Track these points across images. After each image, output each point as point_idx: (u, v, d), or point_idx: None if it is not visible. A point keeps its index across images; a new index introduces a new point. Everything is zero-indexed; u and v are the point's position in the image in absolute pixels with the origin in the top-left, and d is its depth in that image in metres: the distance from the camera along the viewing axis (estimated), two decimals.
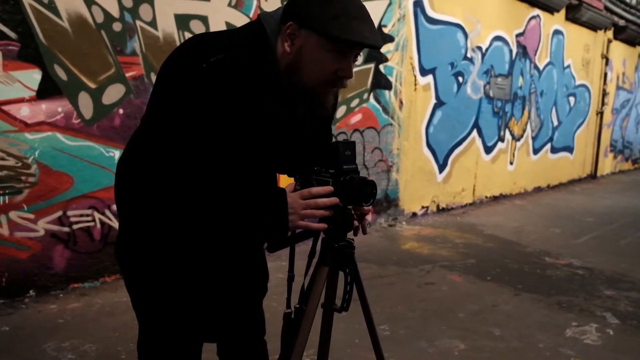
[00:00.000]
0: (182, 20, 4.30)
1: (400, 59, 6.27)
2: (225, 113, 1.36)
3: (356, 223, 1.66)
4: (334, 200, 1.50)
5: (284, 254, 1.61)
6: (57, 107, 3.70)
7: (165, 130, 1.38)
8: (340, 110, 5.61)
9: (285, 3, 1.48)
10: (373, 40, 1.42)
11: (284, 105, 1.47)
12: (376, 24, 5.87)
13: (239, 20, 4.68)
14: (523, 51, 8.79)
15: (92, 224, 3.97)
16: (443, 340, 3.48)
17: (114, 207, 4.00)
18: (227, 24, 4.59)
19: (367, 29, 1.41)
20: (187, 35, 4.33)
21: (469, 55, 7.47)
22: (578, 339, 3.68)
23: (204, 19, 4.42)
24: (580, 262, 5.44)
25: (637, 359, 3.50)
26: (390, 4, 6.08)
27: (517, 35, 8.59)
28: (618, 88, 12.75)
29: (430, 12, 6.73)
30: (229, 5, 4.61)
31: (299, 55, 1.42)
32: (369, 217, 1.67)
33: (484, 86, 7.88)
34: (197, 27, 4.39)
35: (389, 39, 6.10)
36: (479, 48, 7.68)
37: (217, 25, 4.51)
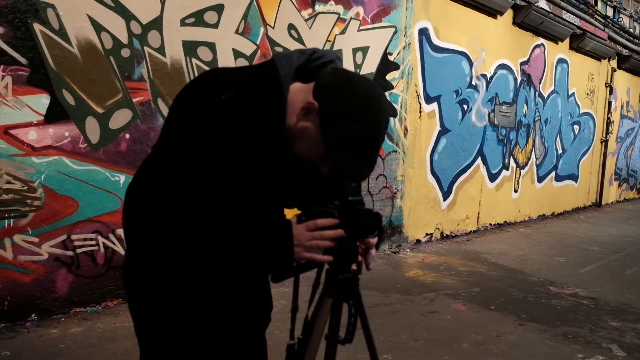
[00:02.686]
0: (190, 47, 4.35)
1: (405, 87, 6.31)
2: (232, 150, 1.38)
3: (360, 258, 1.65)
4: (339, 232, 1.49)
5: (287, 282, 1.61)
6: (64, 132, 3.73)
7: (173, 162, 1.40)
8: None
9: (327, 72, 1.47)
10: (358, 179, 1.46)
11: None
12: (382, 52, 5.95)
13: (246, 47, 4.73)
14: (527, 79, 8.85)
15: (95, 248, 3.97)
16: None
17: (118, 231, 4.02)
18: (235, 50, 4.64)
19: (364, 166, 1.44)
20: (195, 61, 4.37)
21: (473, 83, 7.51)
22: None
23: (211, 46, 4.47)
24: (586, 292, 5.40)
25: None
26: (396, 32, 6.14)
27: (522, 64, 8.65)
28: (622, 117, 12.78)
29: (435, 40, 6.79)
30: (236, 32, 4.66)
31: (297, 130, 1.43)
32: (373, 252, 1.66)
33: (489, 114, 7.92)
34: (205, 54, 4.44)
35: (394, 66, 6.15)
36: (484, 76, 7.73)
37: (224, 52, 4.56)
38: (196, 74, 4.36)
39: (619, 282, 5.97)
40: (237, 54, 4.67)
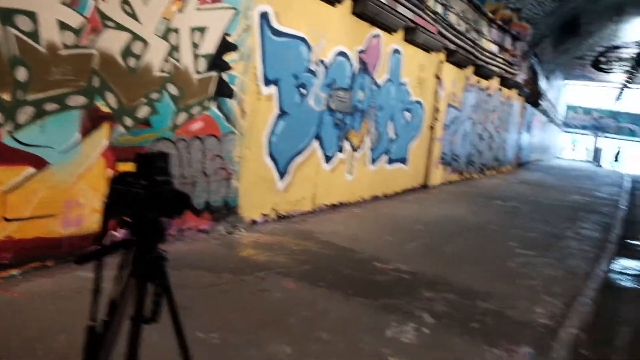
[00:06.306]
0: (5, 15, 4.00)
1: (244, 69, 6.34)
2: None
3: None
4: None
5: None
6: None
7: None
8: (181, 117, 5.55)
9: None
10: None
11: None
12: (221, 33, 5.92)
13: (73, 19, 4.46)
14: (364, 67, 9.27)
15: None
16: (272, 347, 3.59)
17: None
18: (60, 22, 4.35)
19: None
20: (13, 31, 4.03)
21: (312, 68, 7.73)
22: (397, 339, 3.97)
23: (31, 15, 4.16)
24: (407, 267, 5.84)
25: (447, 353, 3.86)
26: (236, 13, 6.13)
27: (359, 52, 9.03)
28: (448, 106, 13.86)
29: (276, 25, 6.88)
30: (62, 2, 4.37)
31: None
32: None
33: (326, 99, 8.20)
34: (25, 24, 4.11)
35: (233, 48, 6.14)
36: (322, 62, 7.98)
37: (47, 23, 4.26)
38: (16, 48, 4.04)
39: (437, 257, 6.54)
40: (63, 26, 4.39)
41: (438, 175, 13.82)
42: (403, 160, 11.65)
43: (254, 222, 6.86)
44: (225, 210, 6.34)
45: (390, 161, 10.98)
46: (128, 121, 5.00)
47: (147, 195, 1.55)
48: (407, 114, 11.49)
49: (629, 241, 9.73)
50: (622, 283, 6.96)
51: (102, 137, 4.78)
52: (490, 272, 6.17)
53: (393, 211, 9.50)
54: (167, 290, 1.65)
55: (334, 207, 8.76)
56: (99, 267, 1.64)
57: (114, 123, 4.84)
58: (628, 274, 7.42)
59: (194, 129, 5.75)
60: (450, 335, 4.17)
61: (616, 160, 41.68)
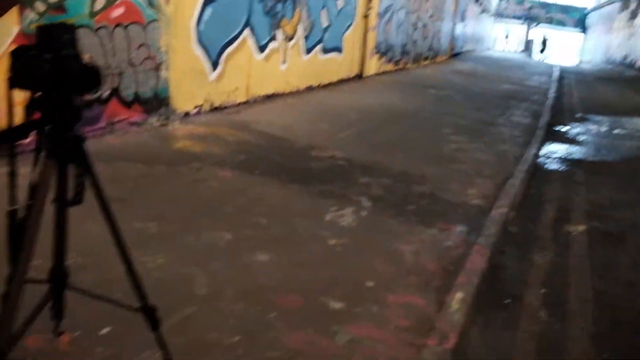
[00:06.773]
0: None
1: None
2: None
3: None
4: None
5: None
6: None
7: None
8: (98, 3, 5.14)
9: None
10: None
11: None
12: None
13: None
14: None
15: None
16: (210, 233, 3.58)
17: None
18: None
19: None
20: None
21: None
22: (336, 222, 4.05)
23: None
24: (342, 154, 5.88)
25: (385, 234, 3.97)
26: None
27: None
28: None
29: None
30: None
31: None
32: None
33: None
34: None
35: None
36: None
37: None
38: None
39: (372, 144, 6.61)
40: None
41: (373, 65, 13.73)
42: (338, 50, 11.44)
43: (187, 113, 6.64)
44: (157, 102, 6.09)
45: (325, 51, 10.75)
46: (39, 6, 4.59)
47: (53, 69, 1.40)
48: (340, 2, 11.14)
49: (556, 127, 10.11)
50: (548, 166, 7.29)
51: (12, 24, 4.38)
52: (424, 157, 6.30)
53: (328, 101, 9.43)
54: (90, 171, 1.55)
55: (268, 97, 8.59)
56: (13, 149, 1.52)
57: (23, 8, 4.44)
58: (554, 158, 7.77)
59: (114, 16, 5.36)
60: (387, 217, 4.28)
61: (544, 49, 42.41)
